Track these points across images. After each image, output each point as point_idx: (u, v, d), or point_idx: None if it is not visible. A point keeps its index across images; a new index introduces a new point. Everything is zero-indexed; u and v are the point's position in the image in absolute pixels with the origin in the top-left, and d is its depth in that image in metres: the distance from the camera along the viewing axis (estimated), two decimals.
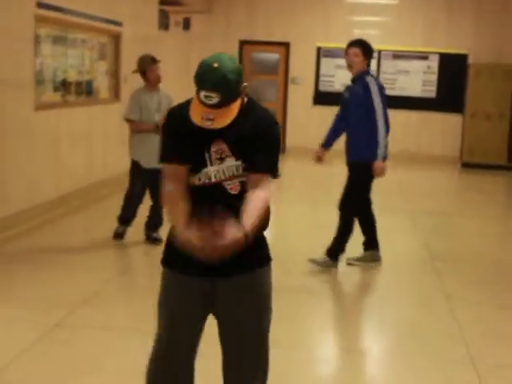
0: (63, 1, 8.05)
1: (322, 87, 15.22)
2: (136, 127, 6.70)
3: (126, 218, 6.96)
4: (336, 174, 12.79)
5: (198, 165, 2.83)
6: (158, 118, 6.57)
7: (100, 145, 9.17)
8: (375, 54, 14.79)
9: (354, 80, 6.34)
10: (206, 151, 2.81)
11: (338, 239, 6.30)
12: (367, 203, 6.44)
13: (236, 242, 2.64)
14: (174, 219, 2.81)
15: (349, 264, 6.47)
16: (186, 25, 14.36)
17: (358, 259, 6.50)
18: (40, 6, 7.51)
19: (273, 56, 15.51)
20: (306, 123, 15.14)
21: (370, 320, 5.49)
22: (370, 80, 6.19)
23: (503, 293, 5.99)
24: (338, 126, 6.50)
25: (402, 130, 13.92)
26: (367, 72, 6.29)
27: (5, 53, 6.89)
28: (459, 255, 7.19)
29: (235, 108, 2.74)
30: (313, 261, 6.30)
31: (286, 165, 13.75)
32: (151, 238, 6.81)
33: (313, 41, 15.04)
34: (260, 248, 3.01)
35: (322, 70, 15.17)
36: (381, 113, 6.05)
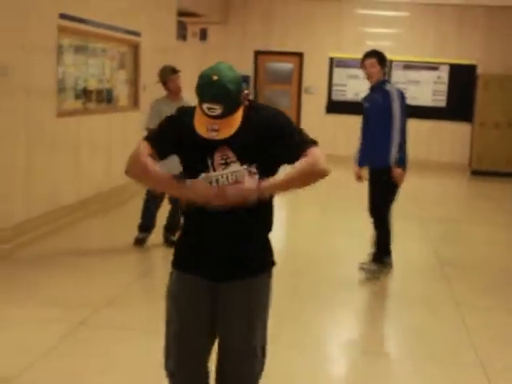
0: (85, 12, 8.10)
1: (335, 96, 15.22)
2: None
3: (145, 225, 6.96)
4: (346, 180, 12.78)
5: (198, 170, 2.81)
6: None
7: (119, 151, 9.19)
8: (386, 65, 14.86)
9: (372, 89, 6.31)
10: (209, 157, 2.79)
11: (379, 244, 6.29)
12: (386, 210, 6.42)
13: (248, 191, 2.68)
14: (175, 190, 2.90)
15: (361, 269, 6.46)
16: (203, 35, 14.43)
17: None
18: (63, 17, 7.56)
19: (287, 66, 15.53)
20: (319, 131, 15.01)
21: (380, 324, 5.48)
22: (390, 88, 6.18)
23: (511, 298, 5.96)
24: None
25: (413, 139, 13.85)
26: (385, 80, 6.28)
27: (29, 62, 6.94)
28: (468, 262, 7.16)
29: (239, 116, 2.73)
30: (365, 269, 6.27)
31: None
32: (169, 241, 6.83)
33: (326, 51, 15.04)
34: (265, 253, 3.00)
35: (335, 80, 15.17)
36: (397, 120, 6.03)
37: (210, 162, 2.79)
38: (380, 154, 6.09)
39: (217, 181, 2.79)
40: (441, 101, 14.68)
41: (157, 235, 6.95)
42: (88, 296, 5.44)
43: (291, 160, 2.80)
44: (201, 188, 2.72)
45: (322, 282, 6.20)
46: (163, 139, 2.94)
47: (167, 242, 6.88)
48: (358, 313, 5.58)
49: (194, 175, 2.82)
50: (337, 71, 15.16)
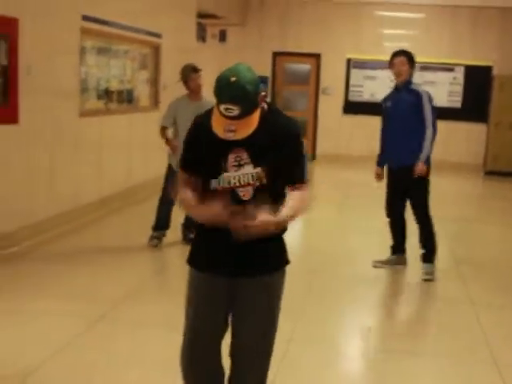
0: (107, 14, 8.14)
1: (352, 97, 15.17)
2: (167, 143, 6.74)
3: (159, 223, 6.87)
4: (362, 179, 12.75)
5: (212, 171, 2.81)
6: None
7: (139, 150, 9.23)
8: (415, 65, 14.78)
9: (397, 88, 6.24)
10: (223, 158, 2.78)
11: (428, 243, 6.25)
12: (402, 209, 6.39)
13: (266, 224, 2.65)
14: (199, 215, 2.84)
15: (375, 266, 6.44)
16: (222, 37, 14.44)
17: (385, 262, 6.47)
18: (85, 19, 7.60)
19: (304, 67, 15.49)
20: (336, 131, 15.10)
21: (394, 321, 5.46)
22: (419, 88, 6.16)
23: None
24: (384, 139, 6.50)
25: None
26: (411, 81, 6.22)
27: (53, 63, 6.98)
28: (483, 261, 7.11)
29: (256, 117, 2.71)
30: (428, 273, 6.22)
31: (316, 171, 13.75)
32: (188, 239, 6.84)
33: (343, 52, 14.99)
34: (280, 251, 3.00)
35: (352, 81, 15.12)
36: (430, 121, 6.01)
37: (223, 162, 2.78)
38: (408, 155, 6.04)
39: (229, 182, 2.79)
40: (456, 101, 14.59)
41: (174, 233, 6.95)
42: (107, 291, 5.47)
43: (287, 182, 2.84)
44: (233, 222, 2.68)
45: (337, 280, 6.19)
46: (192, 160, 2.92)
47: (185, 239, 6.88)
48: (373, 310, 5.56)
49: (207, 177, 2.83)
50: (354, 72, 15.11)
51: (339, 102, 15.19)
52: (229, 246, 2.86)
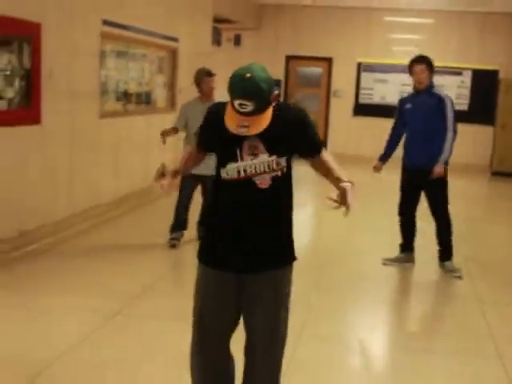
0: (126, 19, 8.15)
1: (362, 100, 15.14)
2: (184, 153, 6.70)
3: (177, 224, 6.82)
4: (371, 179, 12.72)
5: (227, 159, 2.81)
6: None
7: (156, 150, 9.23)
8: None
9: (418, 91, 6.18)
10: (238, 147, 2.78)
11: (447, 242, 6.25)
12: (414, 209, 6.36)
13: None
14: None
15: (384, 264, 6.42)
16: (237, 41, 14.45)
17: (394, 260, 6.45)
18: (105, 23, 7.61)
19: (316, 70, 15.48)
20: (347, 132, 15.09)
21: (402, 318, 5.44)
22: (443, 94, 6.15)
23: None
24: (396, 140, 6.49)
25: None
26: (433, 84, 6.18)
27: (74, 66, 7.00)
28: (489, 259, 7.07)
29: (268, 115, 2.72)
30: (455, 271, 6.23)
31: None
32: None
33: (354, 56, 14.97)
34: (287, 247, 2.99)
35: (362, 84, 15.09)
36: (452, 124, 5.99)
37: (238, 151, 2.78)
38: (428, 156, 6.01)
39: (245, 170, 2.80)
40: (463, 104, 14.50)
41: (190, 231, 6.94)
42: (124, 287, 5.47)
43: (311, 154, 2.97)
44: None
45: (346, 277, 6.17)
46: (204, 138, 3.01)
47: (200, 237, 6.87)
48: (382, 306, 5.53)
49: (223, 165, 2.83)
50: (364, 75, 15.08)
51: (349, 105, 15.17)
52: (237, 243, 2.87)
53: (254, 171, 2.80)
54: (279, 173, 2.82)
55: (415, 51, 14.52)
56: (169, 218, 6.85)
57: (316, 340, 4.53)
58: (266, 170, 2.80)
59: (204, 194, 6.71)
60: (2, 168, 5.92)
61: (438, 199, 6.20)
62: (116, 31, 7.95)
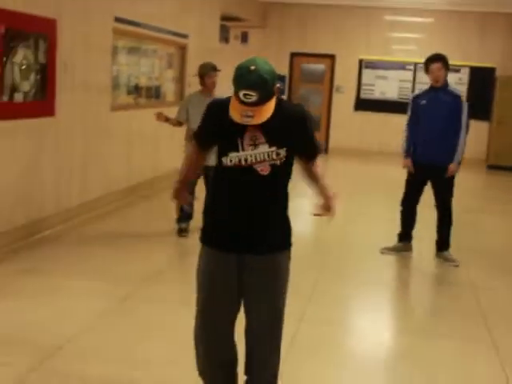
0: (138, 16, 8.16)
1: (363, 95, 15.13)
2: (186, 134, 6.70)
3: (184, 215, 6.79)
4: (372, 171, 12.73)
5: (229, 149, 2.84)
6: None
7: (166, 142, 9.26)
8: (411, 66, 14.76)
9: (434, 88, 6.11)
10: (239, 137, 2.81)
11: (446, 235, 6.30)
12: (417, 201, 6.36)
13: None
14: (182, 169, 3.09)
15: (382, 253, 6.45)
16: (244, 38, 14.43)
17: (392, 249, 6.47)
18: (118, 20, 7.63)
19: (319, 67, 15.45)
20: (348, 127, 15.08)
21: (400, 303, 5.46)
22: (459, 92, 6.13)
23: None
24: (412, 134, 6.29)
25: None
26: (447, 82, 6.14)
27: (88, 61, 7.03)
28: (485, 248, 7.09)
29: (272, 106, 2.75)
30: (452, 260, 6.25)
31: (329, 163, 13.72)
32: None
33: (355, 53, 14.95)
34: (286, 231, 3.04)
35: (364, 80, 15.07)
36: (465, 123, 6.02)
37: (239, 141, 2.81)
38: (443, 153, 6.02)
39: (245, 160, 2.83)
40: None
41: (197, 219, 6.94)
42: (134, 271, 5.51)
43: (305, 158, 3.00)
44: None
45: (346, 263, 6.21)
46: (205, 135, 3.03)
47: None
48: (381, 292, 5.54)
49: (225, 154, 2.86)
50: (366, 72, 15.06)
51: (351, 100, 15.16)
52: (238, 226, 2.91)
53: (254, 160, 2.83)
54: (278, 162, 2.86)
55: (414, 49, 14.65)
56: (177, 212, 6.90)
57: (317, 324, 4.55)
58: (266, 159, 2.83)
59: (207, 184, 6.72)
60: (18, 158, 5.97)
61: (445, 192, 6.20)
62: (128, 28, 7.97)
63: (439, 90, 6.08)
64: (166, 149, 9.33)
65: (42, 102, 6.26)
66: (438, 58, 6.08)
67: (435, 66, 6.03)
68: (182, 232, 6.78)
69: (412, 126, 6.24)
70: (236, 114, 2.72)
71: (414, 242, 6.52)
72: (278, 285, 3.00)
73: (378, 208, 8.86)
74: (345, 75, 15.09)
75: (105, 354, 3.90)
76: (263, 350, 3.08)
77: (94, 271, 5.47)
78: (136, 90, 8.67)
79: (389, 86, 14.90)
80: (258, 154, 2.82)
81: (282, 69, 14.86)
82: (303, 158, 2.99)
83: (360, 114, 15.08)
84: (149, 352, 3.95)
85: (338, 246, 6.84)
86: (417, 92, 6.44)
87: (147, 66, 8.95)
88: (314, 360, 3.97)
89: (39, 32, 6.09)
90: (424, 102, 6.13)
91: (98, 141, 7.40)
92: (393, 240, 6.51)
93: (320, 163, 3.04)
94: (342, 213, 8.57)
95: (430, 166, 6.10)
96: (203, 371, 3.19)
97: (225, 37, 12.78)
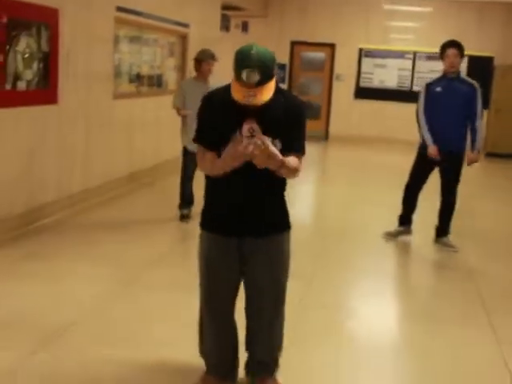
0: (139, 5, 8.15)
1: (363, 83, 15.11)
2: (183, 112, 6.64)
3: (185, 201, 6.84)
4: (372, 158, 12.74)
5: (227, 140, 2.84)
6: None
7: (166, 130, 9.26)
8: (410, 55, 14.72)
9: (447, 76, 6.06)
10: (237, 128, 2.81)
11: (448, 220, 6.31)
12: (422, 187, 6.34)
13: (274, 158, 2.72)
14: (221, 163, 2.85)
15: (385, 239, 6.42)
16: (245, 27, 14.39)
17: (394, 234, 6.47)
18: (119, 9, 7.61)
19: (320, 55, 15.42)
20: (348, 115, 15.08)
21: (398, 287, 5.47)
22: (473, 81, 6.06)
23: None
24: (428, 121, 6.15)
25: None
26: (459, 70, 6.10)
27: (90, 50, 7.02)
28: (483, 234, 7.10)
29: (272, 87, 2.77)
30: (451, 246, 6.28)
31: (329, 150, 13.74)
32: None
33: (355, 42, 14.92)
34: (282, 216, 3.09)
35: (363, 69, 15.05)
36: (481, 112, 6.00)
37: (238, 132, 2.81)
38: (458, 140, 6.01)
39: None
40: None
41: (198, 206, 6.97)
42: (136, 257, 5.53)
43: (287, 151, 2.88)
44: (236, 149, 2.73)
45: (347, 248, 6.22)
46: (206, 134, 2.97)
47: None
48: (380, 276, 5.53)
49: (223, 145, 2.86)
50: (365, 61, 15.03)
51: (351, 88, 15.15)
52: (237, 211, 2.94)
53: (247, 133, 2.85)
54: None
55: (413, 38, 14.61)
56: (178, 193, 6.91)
57: (316, 308, 4.57)
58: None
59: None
60: (21, 145, 5.98)
61: (453, 180, 6.18)
62: (129, 17, 7.95)
63: (454, 79, 6.02)
64: (168, 136, 9.32)
65: (44, 91, 6.26)
66: (455, 44, 6.01)
67: (452, 51, 5.97)
68: (184, 218, 6.80)
69: (427, 112, 6.10)
70: (238, 95, 2.73)
71: (417, 227, 6.53)
72: (279, 261, 3.06)
73: (378, 194, 8.87)
74: (345, 64, 15.08)
75: (107, 336, 3.92)
76: (266, 323, 3.13)
77: (97, 256, 5.49)
78: (138, 78, 8.66)
79: (388, 75, 14.88)
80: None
81: (283, 57, 14.84)
82: (286, 150, 2.91)
83: (360, 102, 15.06)
84: (151, 334, 3.98)
85: (337, 232, 6.85)
86: (429, 79, 6.32)
87: (149, 54, 8.93)
88: (314, 344, 3.99)
89: (42, 21, 6.08)
90: (439, 89, 6.05)
91: (100, 128, 7.41)
92: (393, 226, 6.52)
93: (299, 165, 2.94)
94: (342, 199, 8.66)
95: (443, 153, 6.00)
96: (207, 352, 3.25)
97: (225, 26, 12.74)
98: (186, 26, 9.79)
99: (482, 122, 6.11)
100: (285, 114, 2.89)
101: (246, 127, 2.74)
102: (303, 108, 3.00)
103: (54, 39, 6.30)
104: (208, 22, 10.93)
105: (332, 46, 15.10)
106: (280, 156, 2.75)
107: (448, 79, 6.05)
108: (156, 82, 9.26)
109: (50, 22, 6.22)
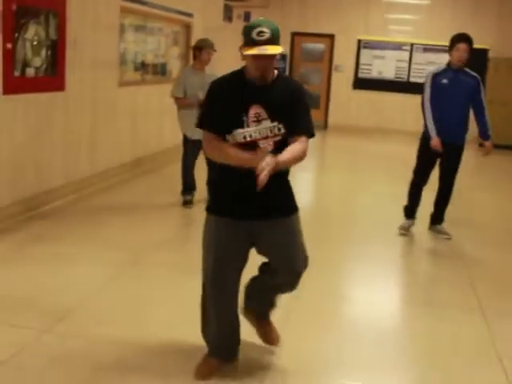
0: None
1: (361, 74, 15.07)
2: (181, 102, 6.63)
3: (188, 187, 6.85)
4: (369, 147, 12.73)
5: (234, 126, 2.87)
6: (202, 94, 6.54)
7: (170, 117, 9.23)
8: (407, 47, 14.68)
9: (452, 68, 5.93)
10: (244, 114, 2.84)
11: (446, 207, 6.31)
12: (426, 178, 6.25)
13: (269, 165, 2.73)
14: (233, 157, 2.86)
15: (402, 234, 6.29)
16: (247, 17, 14.31)
17: (408, 229, 6.39)
18: None
19: (319, 46, 15.37)
20: (346, 105, 15.06)
21: (394, 274, 5.48)
22: (478, 76, 6.00)
23: None
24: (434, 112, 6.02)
25: None
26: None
27: (96, 39, 7.00)
28: (476, 222, 7.12)
29: (279, 50, 2.83)
30: (445, 233, 6.28)
31: (328, 139, 13.72)
32: None
33: (354, 34, 14.87)
34: (290, 198, 3.13)
35: (362, 60, 15.01)
36: (485, 102, 6.01)
37: (244, 119, 2.85)
38: (462, 131, 5.99)
39: (250, 135, 2.88)
40: None
41: (199, 192, 7.00)
42: (139, 241, 5.54)
43: (292, 132, 2.93)
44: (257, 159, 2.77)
45: (346, 236, 6.23)
46: (213, 118, 2.97)
47: None
48: (377, 263, 5.56)
49: (229, 131, 2.88)
50: (364, 52, 14.98)
51: (350, 79, 15.11)
52: (246, 196, 2.95)
53: (258, 136, 2.88)
54: (280, 137, 2.90)
55: (411, 30, 14.55)
56: (180, 178, 6.91)
57: (316, 294, 4.58)
58: (269, 134, 2.89)
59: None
60: (30, 131, 5.97)
61: (453, 168, 6.15)
62: (135, 6, 7.92)
63: (459, 71, 5.93)
64: (171, 124, 9.30)
65: (52, 78, 6.25)
66: (467, 39, 5.87)
67: (462, 46, 5.84)
68: (187, 203, 6.81)
69: (433, 103, 5.97)
70: (252, 51, 2.78)
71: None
72: (294, 233, 3.11)
73: (376, 183, 8.87)
74: (344, 55, 15.03)
75: (114, 316, 3.95)
76: (289, 261, 3.13)
77: (102, 240, 5.50)
78: (142, 66, 8.64)
79: (386, 66, 14.84)
80: (262, 130, 2.86)
81: (283, 48, 14.74)
82: (295, 131, 2.94)
83: (358, 93, 15.03)
84: (154, 316, 3.99)
85: (337, 221, 6.86)
86: (434, 70, 6.11)
87: (153, 43, 8.91)
88: (314, 330, 4.00)
89: (50, 9, 6.05)
90: (445, 81, 5.94)
91: (105, 115, 7.40)
92: (392, 214, 6.52)
93: (302, 150, 2.93)
94: (340, 186, 8.66)
95: (447, 144, 5.94)
96: (210, 334, 3.27)
97: (228, 16, 12.69)
98: (189, 15, 9.76)
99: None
100: (289, 97, 2.92)
101: (252, 112, 2.75)
102: (301, 86, 3.04)
103: (61, 27, 6.28)
104: (211, 11, 10.89)
105: (331, 37, 15.04)
106: (274, 159, 2.78)
107: (454, 71, 5.95)
108: (160, 71, 9.24)
109: (58, 11, 6.19)
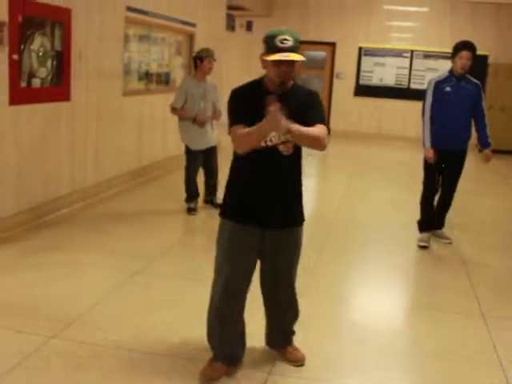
0: (148, 5, 8.13)
1: (362, 81, 15.08)
2: (179, 114, 6.69)
3: (192, 196, 6.88)
4: (370, 153, 12.72)
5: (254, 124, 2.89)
6: (203, 105, 6.57)
7: (174, 126, 9.25)
8: (408, 54, 14.69)
9: (455, 75, 5.87)
10: (266, 113, 2.86)
11: (446, 213, 6.30)
12: (434, 195, 6.19)
13: (284, 126, 2.78)
14: (254, 132, 2.87)
15: (423, 247, 6.16)
16: (249, 27, 14.36)
17: (427, 240, 6.24)
18: (129, 9, 7.60)
19: (321, 54, 15.39)
20: (348, 111, 15.07)
21: (396, 278, 5.47)
22: (479, 83, 5.95)
23: None
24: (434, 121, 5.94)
25: None
26: None
27: (101, 49, 7.01)
28: (476, 226, 7.11)
29: (300, 57, 2.91)
30: (446, 238, 6.29)
31: (330, 145, 13.71)
32: (214, 204, 6.97)
33: (355, 41, 14.89)
34: (301, 209, 3.20)
35: (363, 67, 15.02)
36: (485, 109, 5.99)
37: (267, 109, 2.88)
38: (466, 139, 5.95)
39: (270, 140, 2.94)
40: None
41: (203, 199, 7.01)
42: (145, 248, 5.54)
43: (308, 123, 2.97)
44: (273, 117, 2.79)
45: (347, 241, 6.23)
46: (241, 115, 3.01)
47: (213, 204, 7.02)
48: (378, 269, 5.56)
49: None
50: (365, 59, 15.00)
51: (351, 86, 15.13)
52: (262, 203, 3.00)
53: (278, 140, 2.95)
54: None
55: (411, 37, 14.57)
56: (184, 188, 6.92)
57: (318, 298, 4.59)
58: (289, 138, 2.92)
59: (205, 168, 6.85)
60: (36, 140, 5.98)
61: (457, 175, 6.11)
62: (139, 17, 7.94)
63: (461, 79, 5.87)
64: (175, 132, 9.31)
65: (58, 88, 6.27)
66: (470, 47, 5.79)
67: (466, 54, 5.76)
68: (192, 211, 6.83)
69: (435, 112, 5.88)
70: (275, 57, 2.86)
71: (409, 221, 6.52)
72: (295, 247, 3.22)
73: (378, 188, 8.86)
74: (345, 62, 15.05)
75: (119, 323, 3.95)
76: (286, 302, 3.38)
77: (109, 247, 5.50)
78: (146, 76, 8.65)
79: (386, 73, 14.86)
80: (281, 135, 2.90)
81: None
82: (311, 120, 2.98)
83: (359, 99, 15.05)
84: (160, 321, 3.99)
85: (338, 226, 6.86)
86: (437, 77, 6.02)
87: (157, 53, 8.92)
88: (316, 333, 4.00)
89: (55, 20, 6.07)
90: (449, 89, 5.86)
91: (110, 124, 7.41)
92: (394, 219, 6.51)
93: (321, 133, 2.98)
94: (343, 193, 8.65)
95: (451, 152, 5.92)
96: (215, 339, 3.27)
97: (231, 26, 12.72)
98: (193, 25, 9.78)
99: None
100: (306, 101, 3.01)
101: (270, 107, 2.81)
102: (317, 94, 3.14)
103: (66, 38, 6.29)
104: (214, 21, 10.91)
105: (333, 45, 15.07)
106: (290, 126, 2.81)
107: (456, 78, 5.88)
108: (164, 80, 9.25)
109: (63, 21, 6.22)
